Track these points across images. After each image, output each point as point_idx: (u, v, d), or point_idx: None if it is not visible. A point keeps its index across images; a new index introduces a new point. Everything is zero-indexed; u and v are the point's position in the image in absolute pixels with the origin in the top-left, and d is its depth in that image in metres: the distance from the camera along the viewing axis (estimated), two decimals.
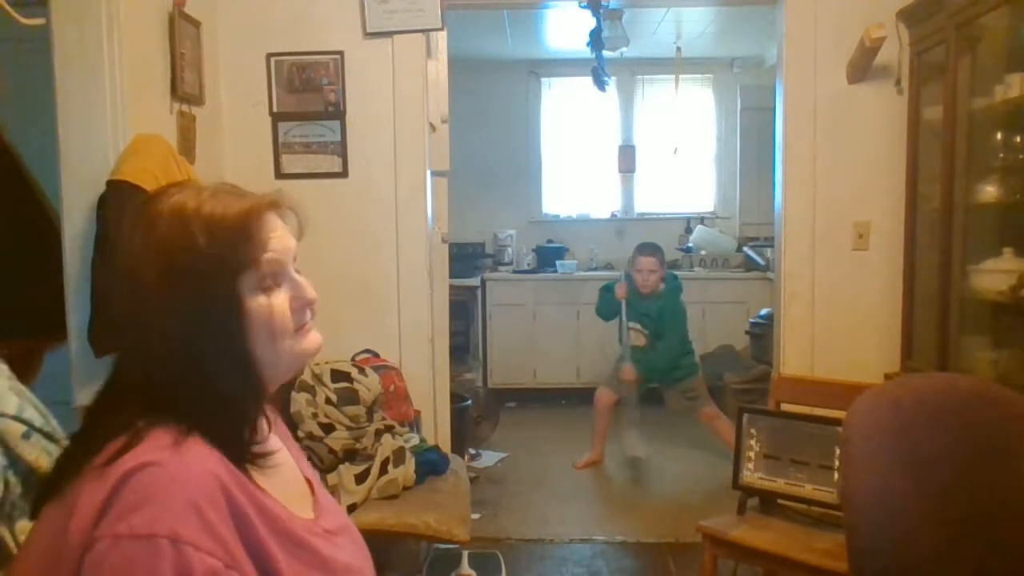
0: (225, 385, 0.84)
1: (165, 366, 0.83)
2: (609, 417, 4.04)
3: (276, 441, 0.97)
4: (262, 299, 0.86)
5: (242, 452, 0.85)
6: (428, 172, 2.99)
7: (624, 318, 3.94)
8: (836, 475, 2.07)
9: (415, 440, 2.53)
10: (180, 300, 0.82)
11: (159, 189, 0.90)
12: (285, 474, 0.94)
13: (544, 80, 5.80)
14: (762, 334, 4.50)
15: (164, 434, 0.79)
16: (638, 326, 3.90)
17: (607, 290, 3.98)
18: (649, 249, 3.89)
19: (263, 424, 0.93)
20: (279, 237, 0.89)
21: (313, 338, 0.93)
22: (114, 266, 0.87)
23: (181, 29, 2.49)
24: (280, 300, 0.87)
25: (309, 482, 1.00)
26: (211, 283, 0.83)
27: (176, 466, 0.76)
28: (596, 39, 3.75)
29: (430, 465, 2.46)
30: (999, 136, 2.50)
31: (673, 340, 3.87)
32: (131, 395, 0.84)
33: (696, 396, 3.89)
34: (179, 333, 0.82)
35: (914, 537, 1.33)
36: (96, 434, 0.82)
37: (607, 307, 3.99)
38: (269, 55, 2.90)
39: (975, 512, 1.37)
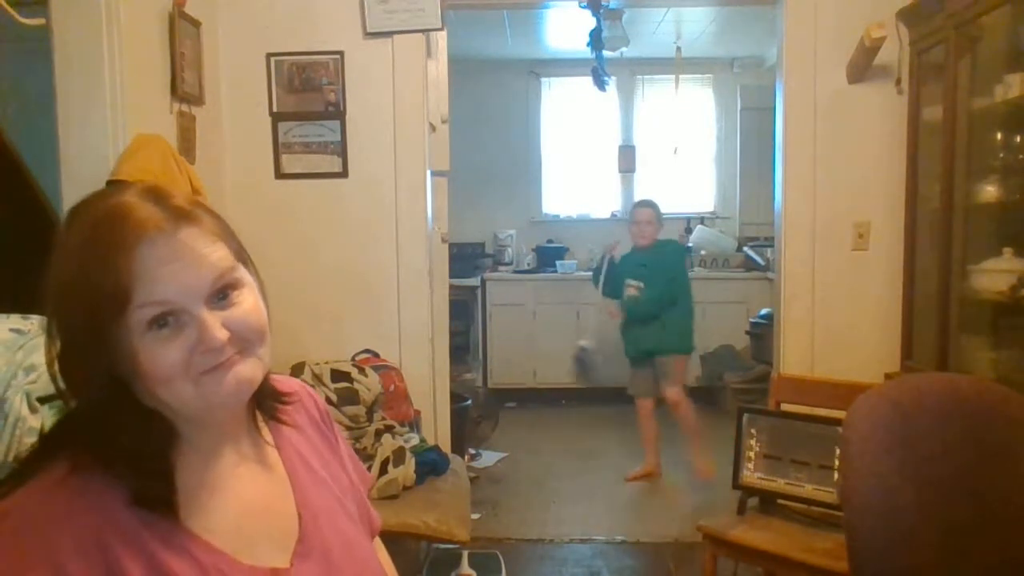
0: (118, 429, 0.75)
1: (67, 396, 0.77)
2: (655, 423, 3.85)
3: (243, 470, 0.85)
4: (148, 346, 0.73)
5: (146, 498, 0.74)
6: (428, 172, 2.99)
7: (621, 291, 3.84)
8: (836, 475, 2.07)
9: (415, 440, 2.53)
10: (62, 334, 0.75)
11: (84, 201, 0.79)
12: (247, 510, 0.82)
13: (544, 80, 5.80)
14: (762, 334, 4.51)
15: (58, 468, 0.73)
16: (633, 281, 3.82)
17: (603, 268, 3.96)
18: (645, 202, 3.95)
19: (190, 463, 0.80)
20: (171, 274, 0.74)
21: (229, 379, 0.77)
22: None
23: (181, 29, 2.49)
24: (171, 350, 0.74)
25: (301, 518, 0.86)
26: (84, 324, 0.73)
27: (47, 513, 0.70)
28: (596, 39, 3.75)
29: (430, 465, 2.46)
30: (999, 136, 2.51)
31: (667, 293, 3.72)
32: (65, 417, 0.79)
33: (666, 374, 3.74)
34: (65, 369, 0.75)
35: (914, 537, 1.33)
36: (29, 457, 0.78)
37: (598, 277, 3.98)
38: (269, 55, 2.90)
39: (975, 512, 1.37)
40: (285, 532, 0.84)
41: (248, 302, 0.79)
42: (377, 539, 1.05)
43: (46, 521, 0.70)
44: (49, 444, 0.77)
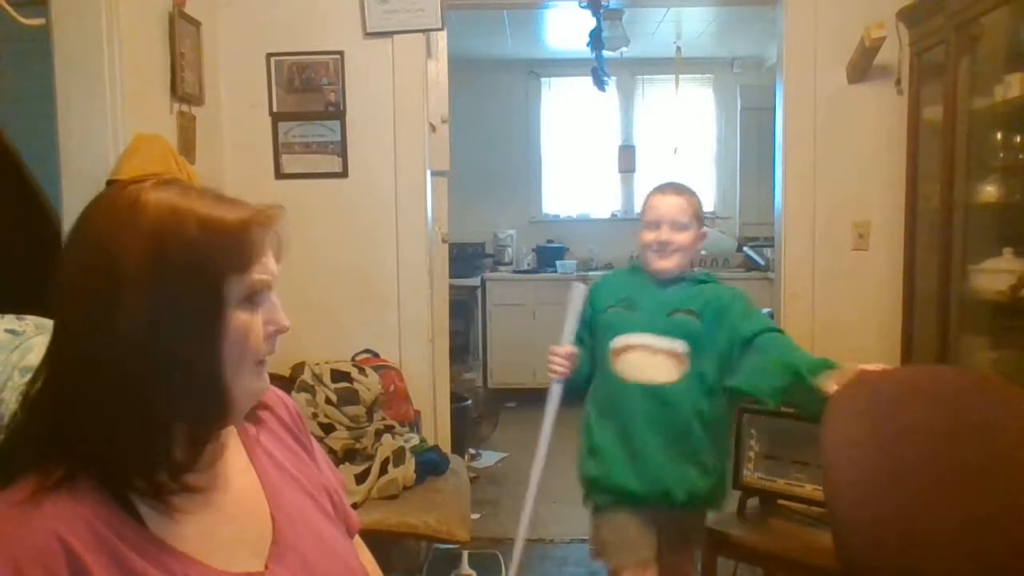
0: (185, 402, 0.74)
1: (110, 375, 0.72)
2: None
3: (216, 475, 0.83)
4: (242, 314, 0.77)
5: (160, 488, 0.74)
6: (428, 172, 2.99)
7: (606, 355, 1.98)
8: None
9: (415, 440, 2.53)
10: (161, 293, 0.72)
11: (135, 179, 0.79)
12: (218, 515, 0.81)
13: (544, 80, 5.80)
14: None
15: (25, 484, 0.70)
16: (659, 340, 1.86)
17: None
18: (674, 185, 2.09)
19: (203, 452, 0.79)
20: (268, 258, 0.81)
21: (266, 378, 0.82)
22: (77, 256, 0.75)
23: (181, 29, 2.49)
24: (258, 322, 0.78)
25: (274, 519, 0.85)
26: (198, 279, 0.73)
27: (10, 530, 0.68)
28: (596, 39, 3.75)
29: (430, 465, 2.46)
30: (999, 136, 2.50)
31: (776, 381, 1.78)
32: (45, 417, 0.74)
33: (698, 539, 2.04)
34: (147, 333, 0.72)
35: (892, 514, 1.34)
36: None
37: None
38: (269, 55, 2.90)
39: (951, 486, 1.38)
40: (258, 534, 0.83)
41: None
42: (358, 538, 1.04)
43: (9, 539, 0.68)
44: (17, 456, 0.74)
